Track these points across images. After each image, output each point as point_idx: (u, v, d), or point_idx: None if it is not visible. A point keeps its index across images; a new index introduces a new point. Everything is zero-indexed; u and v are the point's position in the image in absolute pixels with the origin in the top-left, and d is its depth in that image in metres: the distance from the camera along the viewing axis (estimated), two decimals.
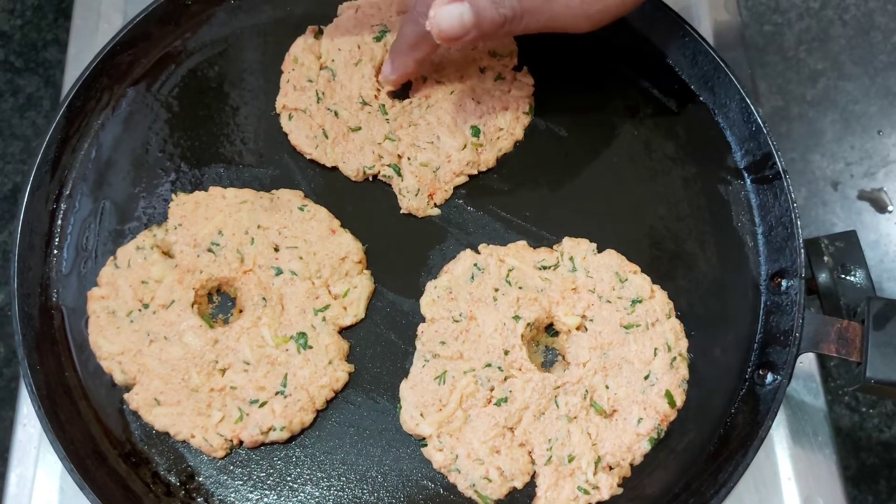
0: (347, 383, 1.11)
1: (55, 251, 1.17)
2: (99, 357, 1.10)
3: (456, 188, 1.21)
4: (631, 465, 1.07)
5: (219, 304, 1.15)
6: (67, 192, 1.20)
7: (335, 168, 1.21)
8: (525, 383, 1.07)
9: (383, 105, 1.22)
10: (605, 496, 1.04)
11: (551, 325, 1.13)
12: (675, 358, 1.09)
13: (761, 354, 1.12)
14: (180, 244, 1.14)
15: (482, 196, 1.21)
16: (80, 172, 1.21)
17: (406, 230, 1.19)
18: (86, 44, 1.40)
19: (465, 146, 1.19)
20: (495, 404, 1.07)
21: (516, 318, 1.10)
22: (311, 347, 1.10)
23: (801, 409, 1.21)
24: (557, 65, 1.26)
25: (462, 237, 1.19)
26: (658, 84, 1.26)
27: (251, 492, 1.07)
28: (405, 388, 1.10)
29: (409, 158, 1.19)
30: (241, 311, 1.12)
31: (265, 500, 1.07)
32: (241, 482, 1.07)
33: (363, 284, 1.15)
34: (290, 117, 1.22)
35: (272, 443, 1.08)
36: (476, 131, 1.20)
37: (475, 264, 1.14)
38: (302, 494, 1.07)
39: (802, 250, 1.11)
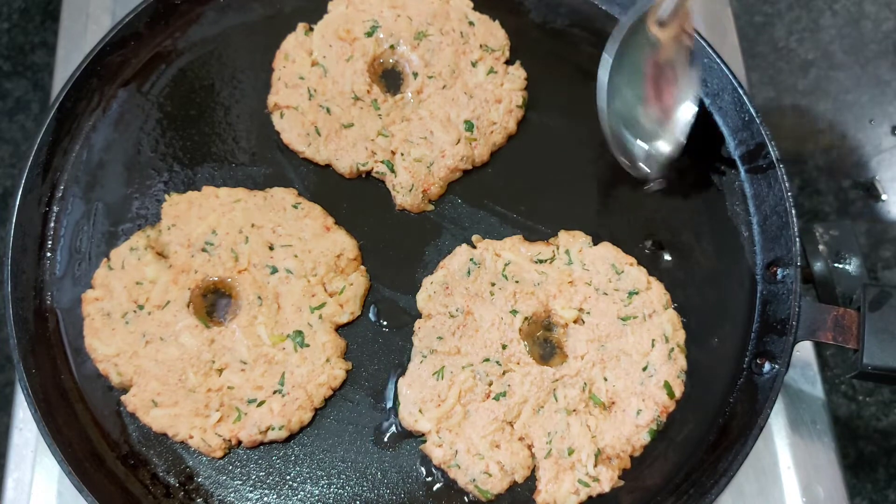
0: (345, 381, 1.11)
1: (48, 254, 1.16)
2: (95, 359, 1.10)
3: (450, 184, 1.20)
4: (631, 456, 1.07)
5: (214, 303, 1.14)
6: (59, 195, 1.19)
7: (328, 165, 1.20)
8: (523, 377, 1.07)
9: (375, 100, 1.21)
10: (606, 488, 1.04)
11: (549, 318, 1.13)
12: (672, 349, 1.09)
13: (758, 343, 1.12)
14: (174, 244, 1.13)
15: (477, 191, 1.20)
16: (71, 175, 1.20)
17: (401, 226, 1.19)
18: (74, 45, 1.39)
19: (458, 141, 1.19)
20: (494, 399, 1.07)
21: (513, 312, 1.10)
22: (308, 345, 1.09)
23: (799, 398, 1.21)
24: (550, 58, 1.26)
25: (457, 232, 1.18)
26: None
27: (251, 491, 1.06)
28: (403, 384, 1.09)
29: (402, 154, 1.18)
30: (236, 311, 1.12)
31: (265, 499, 1.06)
32: (240, 482, 1.07)
33: (359, 282, 1.14)
34: (281, 115, 1.21)
35: (271, 442, 1.08)
36: (469, 126, 1.20)
37: (471, 259, 1.13)
38: (302, 493, 1.06)
39: (797, 239, 1.11)
